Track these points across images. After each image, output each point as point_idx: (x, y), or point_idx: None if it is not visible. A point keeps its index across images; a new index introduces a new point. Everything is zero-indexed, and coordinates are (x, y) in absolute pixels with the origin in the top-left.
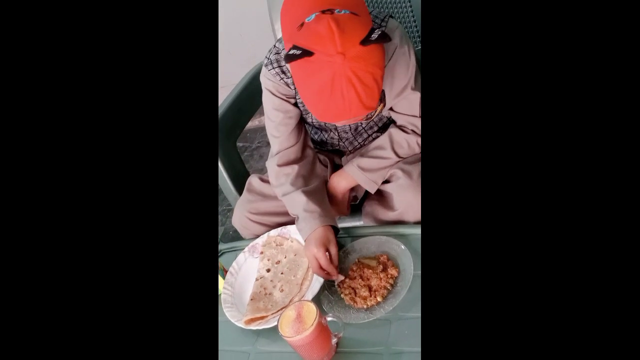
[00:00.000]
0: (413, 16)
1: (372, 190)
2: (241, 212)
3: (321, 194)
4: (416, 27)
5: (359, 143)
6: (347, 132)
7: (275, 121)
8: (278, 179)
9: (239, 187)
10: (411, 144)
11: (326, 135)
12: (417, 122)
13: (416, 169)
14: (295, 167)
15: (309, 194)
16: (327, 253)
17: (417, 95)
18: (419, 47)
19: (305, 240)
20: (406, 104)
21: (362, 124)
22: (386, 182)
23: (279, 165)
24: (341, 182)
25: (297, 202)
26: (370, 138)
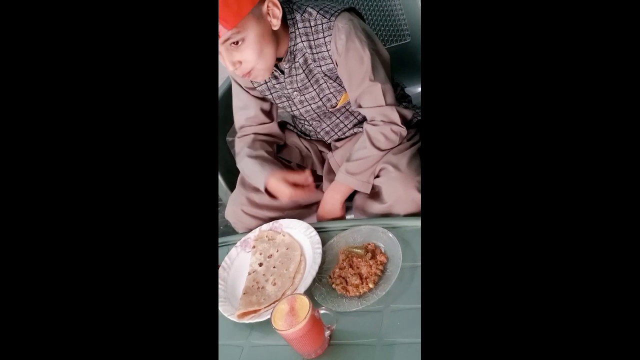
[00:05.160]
0: (402, 10)
1: (367, 191)
2: (235, 205)
3: (264, 155)
4: (405, 21)
5: (337, 134)
6: (316, 120)
7: (237, 104)
8: (237, 147)
9: (229, 181)
10: (387, 134)
11: (304, 124)
12: (385, 111)
13: (403, 160)
14: (249, 137)
15: (254, 157)
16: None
17: (377, 87)
18: (408, 41)
19: (268, 189)
20: (369, 97)
21: (336, 114)
22: (376, 176)
23: (239, 137)
24: (336, 196)
25: (245, 166)
26: (346, 129)
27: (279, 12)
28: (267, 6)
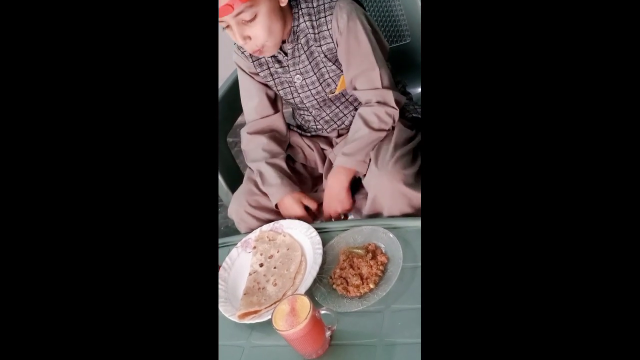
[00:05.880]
0: (402, 11)
1: (364, 170)
2: (239, 205)
3: (284, 167)
4: (405, 22)
5: (337, 124)
6: (316, 108)
7: (243, 94)
8: (248, 144)
9: (230, 182)
10: (380, 114)
11: (303, 116)
12: (381, 93)
13: (392, 155)
14: (263, 138)
15: (273, 165)
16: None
17: (375, 69)
18: (408, 41)
19: (279, 204)
20: (366, 79)
21: (336, 102)
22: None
23: (249, 133)
24: (339, 178)
25: (265, 171)
26: (345, 118)
27: None
28: None
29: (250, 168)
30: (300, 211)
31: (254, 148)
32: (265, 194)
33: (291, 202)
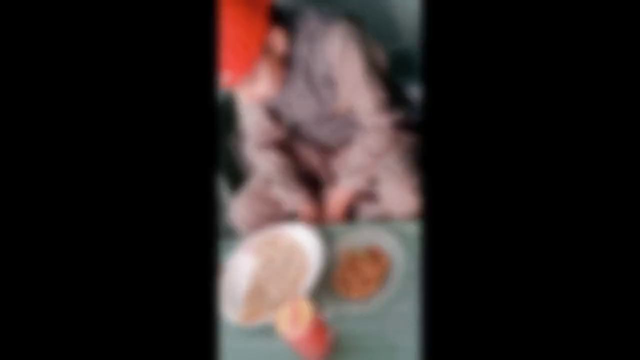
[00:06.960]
0: (402, 11)
1: (366, 188)
2: (241, 207)
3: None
4: (405, 22)
5: (338, 139)
6: (316, 125)
7: (242, 109)
8: (255, 157)
9: (231, 183)
10: (377, 140)
11: (306, 129)
12: (377, 118)
13: (399, 163)
14: (272, 153)
15: (290, 177)
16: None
17: (368, 95)
18: (408, 42)
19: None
20: (361, 104)
21: (336, 119)
22: (373, 180)
23: (257, 147)
24: (339, 203)
25: (284, 181)
26: (347, 132)
27: (282, 38)
28: (271, 37)
29: (259, 177)
30: (320, 220)
31: (264, 162)
32: (268, 199)
33: (313, 210)
